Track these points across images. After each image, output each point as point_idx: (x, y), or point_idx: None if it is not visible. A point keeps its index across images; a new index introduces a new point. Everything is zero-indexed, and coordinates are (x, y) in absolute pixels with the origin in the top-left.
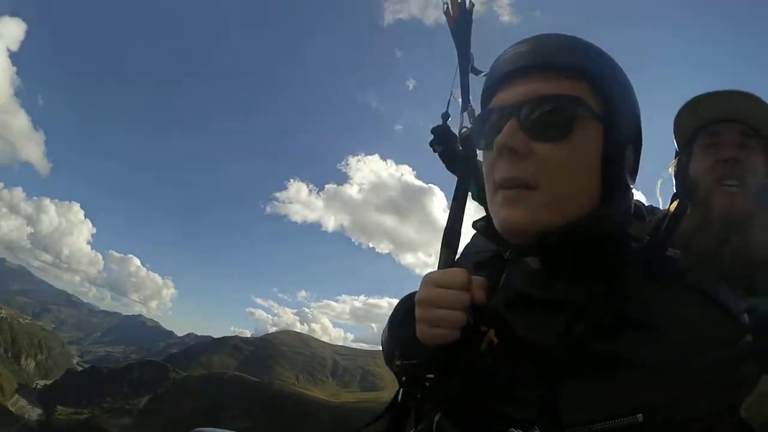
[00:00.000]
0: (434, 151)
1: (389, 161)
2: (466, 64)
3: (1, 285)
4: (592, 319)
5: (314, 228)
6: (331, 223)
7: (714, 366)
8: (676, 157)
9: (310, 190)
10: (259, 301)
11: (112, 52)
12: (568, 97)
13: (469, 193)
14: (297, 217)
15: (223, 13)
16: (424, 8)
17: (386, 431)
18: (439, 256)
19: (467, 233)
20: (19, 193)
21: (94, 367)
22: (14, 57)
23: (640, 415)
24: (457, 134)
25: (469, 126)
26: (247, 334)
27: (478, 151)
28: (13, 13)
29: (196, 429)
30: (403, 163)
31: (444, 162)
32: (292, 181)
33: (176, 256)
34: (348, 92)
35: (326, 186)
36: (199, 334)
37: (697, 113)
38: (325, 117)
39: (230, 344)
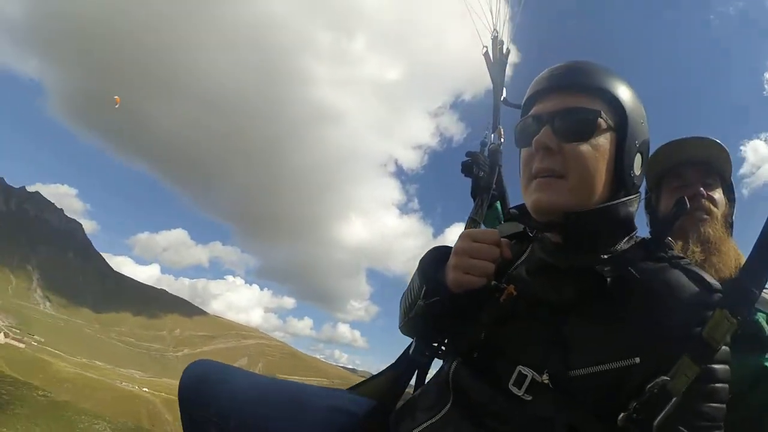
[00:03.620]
0: (463, 172)
1: None
2: (498, 96)
3: None
4: (597, 277)
5: None
6: None
7: (695, 322)
8: (645, 198)
9: None
10: None
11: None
12: (589, 109)
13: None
14: None
15: None
16: None
17: (392, 385)
18: None
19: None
20: None
21: None
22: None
23: (637, 358)
24: (487, 149)
25: (498, 142)
26: None
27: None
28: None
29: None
30: None
31: (467, 174)
32: None
33: None
34: None
35: None
36: None
37: (663, 159)
38: None
39: None
